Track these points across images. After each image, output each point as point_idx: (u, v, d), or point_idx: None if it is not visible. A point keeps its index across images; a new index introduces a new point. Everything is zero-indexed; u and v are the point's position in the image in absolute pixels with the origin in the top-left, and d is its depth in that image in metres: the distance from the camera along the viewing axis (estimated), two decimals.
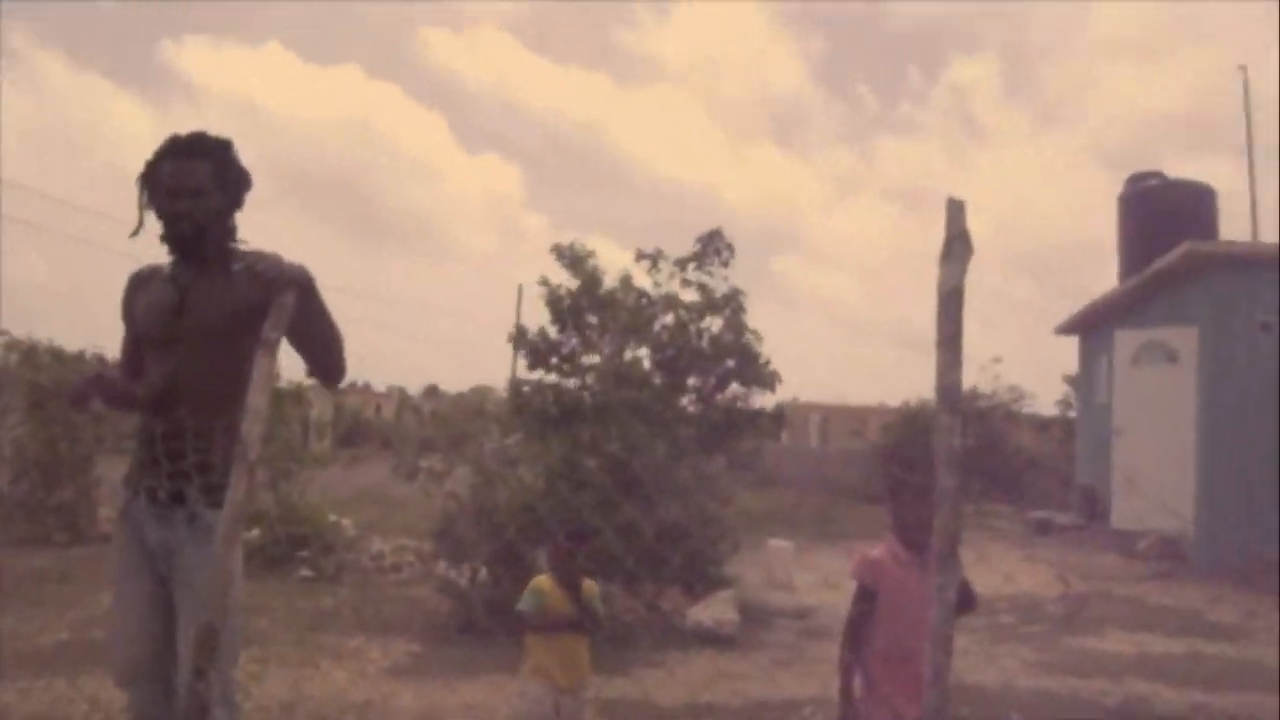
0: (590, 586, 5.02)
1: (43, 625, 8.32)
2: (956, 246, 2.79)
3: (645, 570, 8.43)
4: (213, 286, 3.38)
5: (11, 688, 6.46)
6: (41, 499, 14.00)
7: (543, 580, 4.96)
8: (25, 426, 14.20)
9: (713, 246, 10.96)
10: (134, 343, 3.60)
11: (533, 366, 10.73)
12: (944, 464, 2.70)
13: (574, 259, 10.76)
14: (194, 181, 3.41)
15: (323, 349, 3.44)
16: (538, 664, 4.82)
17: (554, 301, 10.68)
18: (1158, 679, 7.52)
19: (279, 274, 3.15)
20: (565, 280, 10.81)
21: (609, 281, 10.82)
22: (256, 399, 2.92)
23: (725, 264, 10.98)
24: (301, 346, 3.37)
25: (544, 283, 10.73)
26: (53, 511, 13.75)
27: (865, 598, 3.73)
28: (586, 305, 10.66)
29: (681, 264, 10.96)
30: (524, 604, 4.89)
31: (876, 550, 3.78)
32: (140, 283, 3.60)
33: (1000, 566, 12.05)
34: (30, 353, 15.91)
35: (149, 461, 3.35)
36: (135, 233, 3.51)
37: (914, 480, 3.61)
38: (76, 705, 5.98)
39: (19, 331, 16.46)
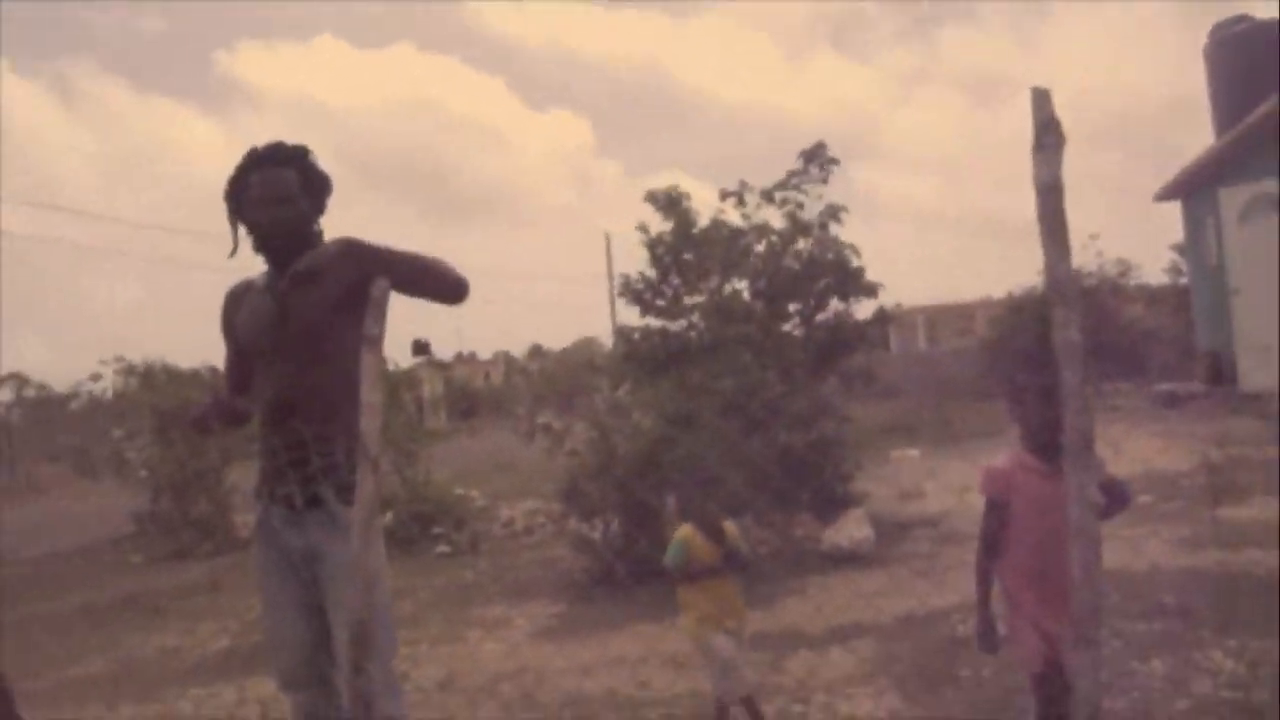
0: (731, 528, 5.00)
1: (204, 635, 8.61)
2: (1047, 138, 2.70)
3: (773, 501, 8.43)
4: (307, 292, 3.41)
5: (186, 697, 6.72)
6: (180, 515, 14.49)
7: (684, 530, 4.94)
8: (154, 448, 14.67)
9: (816, 162, 10.79)
10: (237, 357, 3.65)
11: (642, 314, 10.72)
12: (1065, 359, 2.63)
13: (669, 203, 10.70)
14: (282, 189, 3.45)
15: (426, 281, 3.39)
16: (702, 613, 4.83)
17: (652, 246, 10.65)
18: None
19: (337, 246, 3.29)
20: (659, 225, 10.75)
21: (702, 221, 10.73)
22: (369, 395, 2.95)
23: (825, 180, 10.81)
24: (407, 292, 3.32)
25: (642, 229, 10.69)
26: (191, 526, 14.21)
27: (995, 511, 3.59)
28: (685, 246, 10.61)
29: (768, 194, 10.83)
30: (670, 558, 4.89)
31: (1002, 461, 3.63)
32: (236, 298, 3.65)
33: (1129, 446, 11.80)
34: (148, 375, 16.41)
35: (275, 472, 3.41)
36: (233, 253, 3.56)
37: (1034, 382, 3.44)
38: (249, 708, 6.19)
39: (133, 356, 16.99)
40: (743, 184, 10.85)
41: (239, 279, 3.69)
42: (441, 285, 3.41)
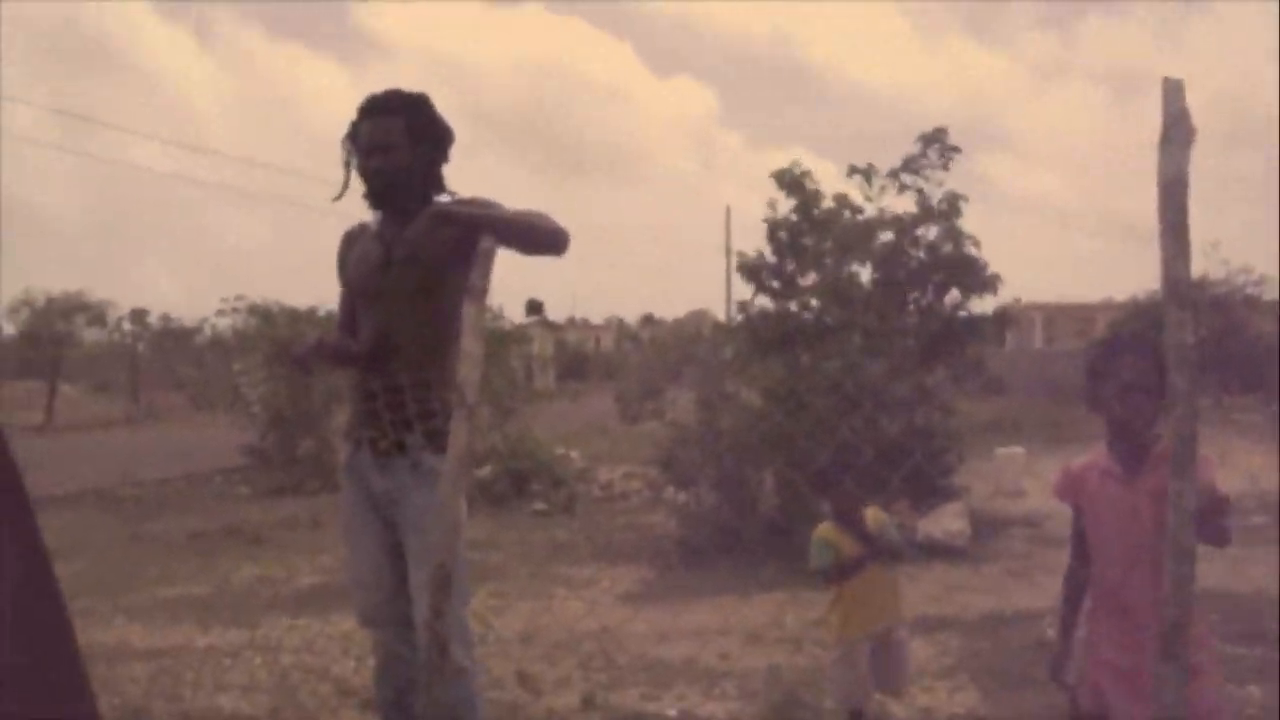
0: (876, 514, 4.67)
1: (297, 569, 8.84)
2: (1176, 131, 2.59)
3: (868, 488, 8.34)
4: (417, 239, 3.44)
5: (274, 625, 6.91)
6: (286, 451, 14.86)
7: (825, 529, 4.64)
8: (267, 384, 15.05)
9: (934, 146, 10.58)
10: (349, 300, 3.71)
11: (757, 292, 10.67)
12: (1175, 362, 2.53)
13: (793, 183, 10.60)
14: (386, 138, 3.46)
15: (524, 235, 3.32)
16: (846, 615, 4.53)
17: (773, 228, 10.58)
18: None
19: (428, 219, 3.31)
20: (783, 201, 10.66)
21: (826, 202, 10.62)
22: (470, 345, 2.97)
23: (946, 166, 10.60)
24: (507, 246, 3.23)
25: (770, 205, 10.62)
26: (300, 462, 14.58)
27: (1076, 518, 3.19)
28: (806, 228, 10.52)
29: (894, 174, 10.65)
30: (816, 560, 4.59)
31: (1080, 461, 3.20)
32: (351, 241, 3.70)
33: (1246, 464, 11.43)
34: (267, 315, 16.84)
35: (369, 414, 3.46)
36: (339, 195, 3.59)
37: (1114, 372, 2.98)
38: (332, 642, 6.33)
39: (255, 296, 17.44)
40: (870, 165, 10.71)
41: (358, 222, 3.75)
42: (540, 239, 3.35)
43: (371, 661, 3.73)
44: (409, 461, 3.38)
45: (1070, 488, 3.16)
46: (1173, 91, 2.63)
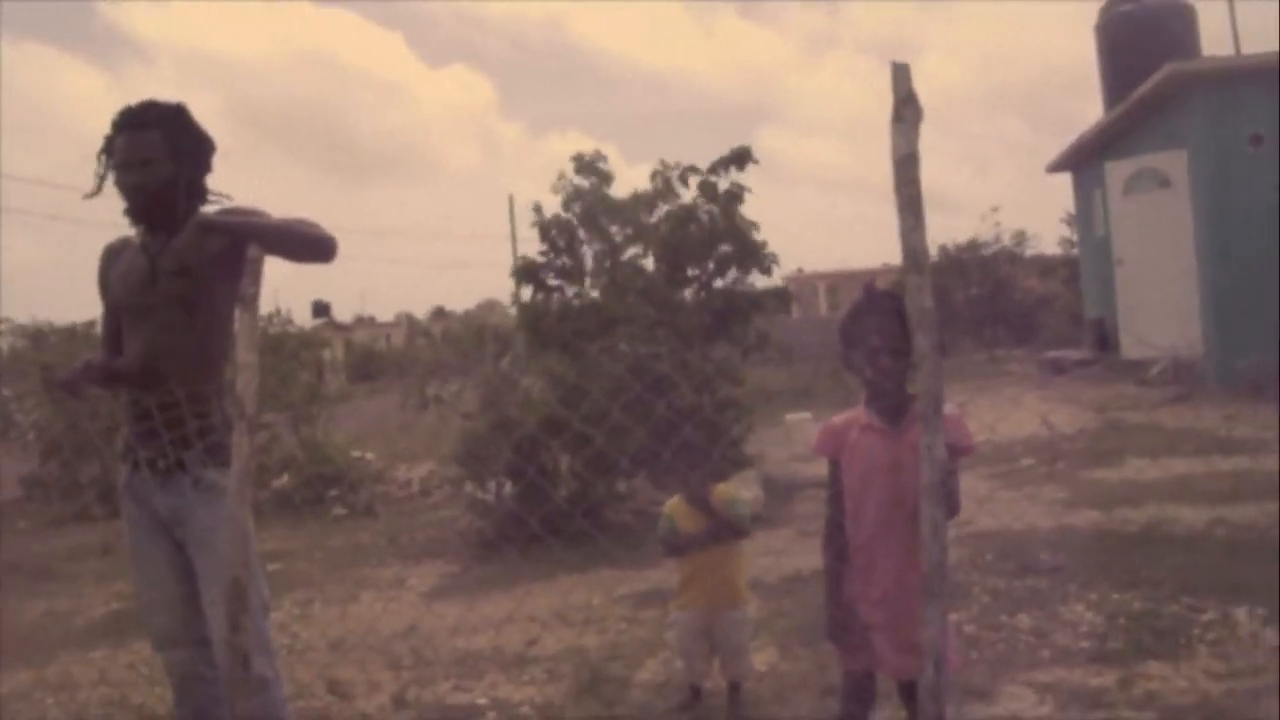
0: (723, 491, 4.74)
1: (88, 600, 8.51)
2: (906, 111, 2.80)
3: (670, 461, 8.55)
4: (183, 251, 3.41)
5: (69, 659, 6.66)
6: (74, 476, 14.21)
7: (672, 503, 4.74)
8: (44, 409, 14.35)
9: (737, 164, 10.97)
10: (113, 316, 3.63)
11: (535, 293, 10.82)
12: (917, 324, 2.74)
13: (588, 166, 10.84)
14: (143, 152, 3.42)
15: (289, 244, 3.29)
16: (683, 588, 4.65)
17: (544, 230, 10.76)
18: (1178, 500, 7.64)
19: (192, 229, 3.29)
20: (575, 183, 10.85)
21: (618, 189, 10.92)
22: (246, 354, 2.97)
23: (742, 168, 11.00)
24: (273, 254, 3.21)
25: (536, 210, 10.81)
26: (86, 487, 13.96)
27: (835, 475, 3.23)
28: (598, 212, 10.72)
29: (694, 169, 11.00)
30: (658, 532, 4.71)
31: (841, 417, 3.28)
32: (113, 255, 3.64)
33: (1013, 411, 12.16)
34: (37, 336, 16.03)
35: (145, 433, 3.40)
36: (90, 195, 3.51)
37: (862, 334, 3.12)
38: (131, 671, 6.16)
39: (22, 317, 16.57)
40: (663, 162, 11.05)
41: (119, 237, 3.68)
42: (305, 246, 3.35)
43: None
44: (190, 478, 3.36)
45: (831, 443, 3.23)
46: (900, 75, 2.83)
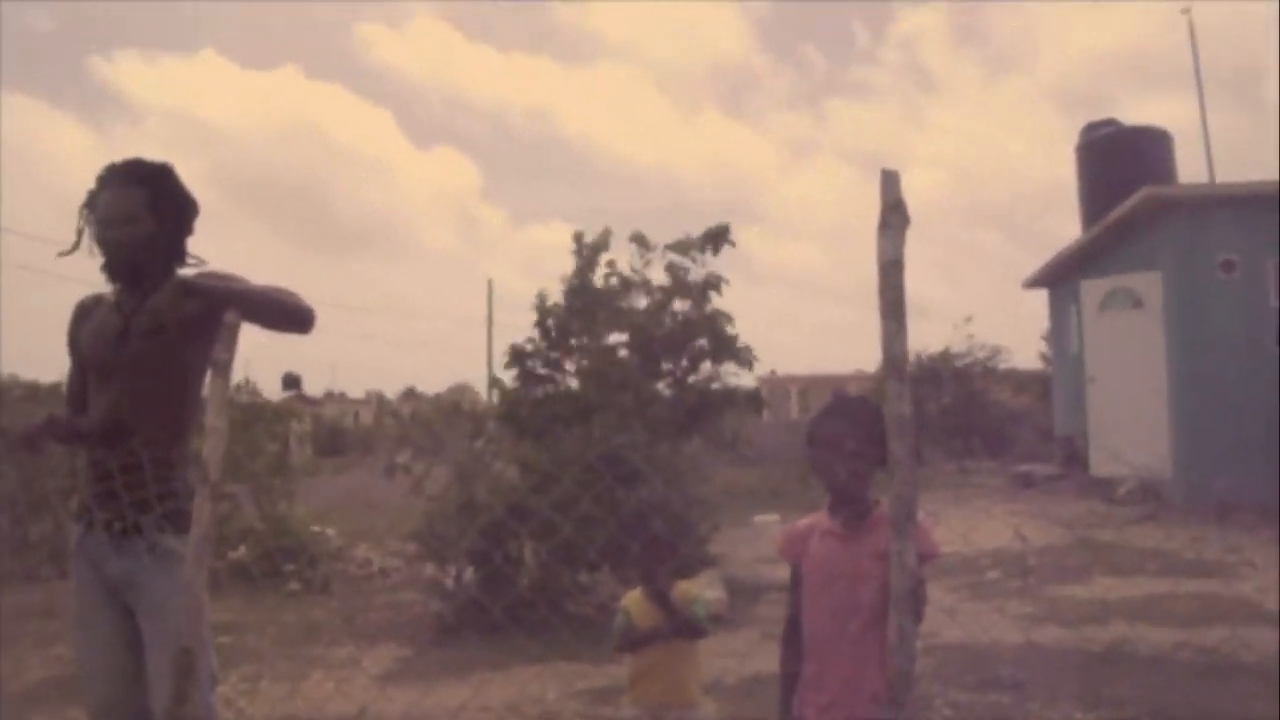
0: (684, 590, 4.63)
1: (26, 664, 8.30)
2: (893, 217, 2.82)
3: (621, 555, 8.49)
4: (158, 311, 3.37)
5: None
6: (24, 534, 13.95)
7: (630, 597, 4.64)
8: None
9: (717, 242, 11.02)
10: (80, 373, 3.58)
11: (520, 378, 10.77)
12: (894, 431, 2.72)
13: (586, 249, 10.86)
14: (126, 210, 3.40)
15: (268, 312, 3.27)
16: (633, 685, 4.53)
17: (543, 316, 10.75)
18: (1141, 621, 7.62)
19: (172, 289, 3.23)
20: (554, 288, 10.86)
21: (601, 271, 10.91)
22: (215, 420, 2.93)
23: (716, 253, 11.04)
24: (251, 321, 3.18)
25: (540, 298, 10.81)
26: (36, 547, 13.70)
27: (796, 579, 3.20)
28: (582, 303, 10.72)
29: (674, 247, 11.02)
30: (614, 625, 4.61)
31: (804, 521, 3.26)
32: (85, 312, 3.60)
33: (983, 523, 12.13)
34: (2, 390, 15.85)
35: (104, 494, 3.34)
36: (68, 253, 3.49)
37: (823, 436, 3.11)
38: None
39: None
40: (642, 236, 11.04)
41: (94, 292, 3.65)
42: (284, 315, 3.33)
43: None
44: (146, 543, 3.28)
45: (793, 547, 3.20)
46: (889, 182, 2.86)
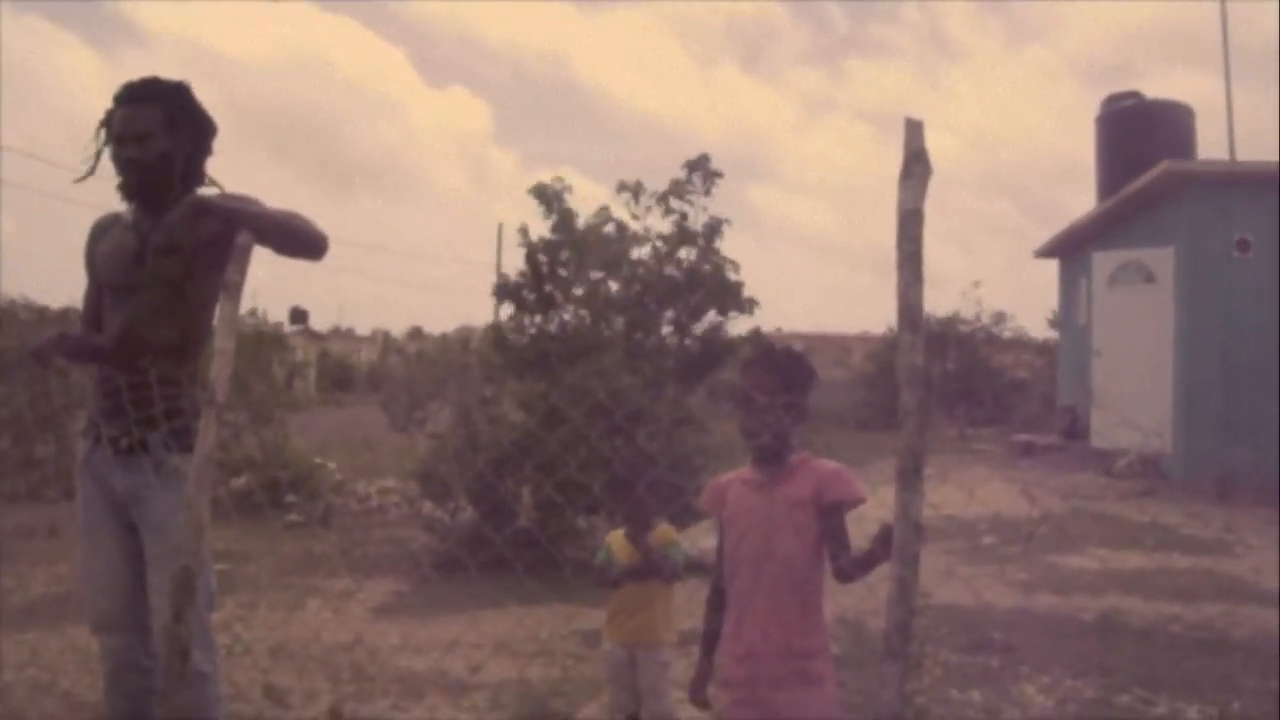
0: (663, 533, 4.64)
1: (28, 580, 8.36)
2: (915, 166, 2.78)
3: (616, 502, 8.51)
4: (174, 229, 3.35)
5: (1, 639, 6.51)
6: (27, 454, 14.01)
7: (614, 535, 4.73)
8: (3, 386, 14.17)
9: (698, 173, 10.86)
10: (96, 292, 3.57)
11: (516, 313, 10.68)
12: (905, 381, 2.70)
13: (550, 198, 10.67)
14: (141, 126, 3.37)
15: (282, 236, 3.25)
16: (609, 618, 4.62)
17: (530, 253, 10.62)
18: (1135, 593, 7.62)
19: (186, 208, 3.18)
20: (539, 223, 10.72)
21: (585, 218, 10.75)
22: (223, 342, 2.92)
23: (708, 192, 10.89)
24: (264, 244, 3.17)
25: (523, 232, 10.63)
26: (38, 466, 13.77)
27: (720, 531, 3.18)
28: (565, 247, 10.60)
29: (663, 197, 10.88)
30: (595, 560, 4.73)
31: (728, 475, 3.25)
32: (102, 231, 3.57)
33: (980, 489, 12.15)
34: (8, 313, 15.85)
35: (112, 410, 3.33)
36: (84, 178, 3.47)
37: (742, 390, 3.08)
38: (64, 656, 6.03)
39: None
40: (638, 184, 10.91)
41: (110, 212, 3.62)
42: (298, 240, 3.30)
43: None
44: (152, 460, 3.28)
45: (715, 499, 3.20)
46: (912, 130, 2.82)
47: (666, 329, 10.80)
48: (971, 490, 12.08)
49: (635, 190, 10.88)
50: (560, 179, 10.79)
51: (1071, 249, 19.42)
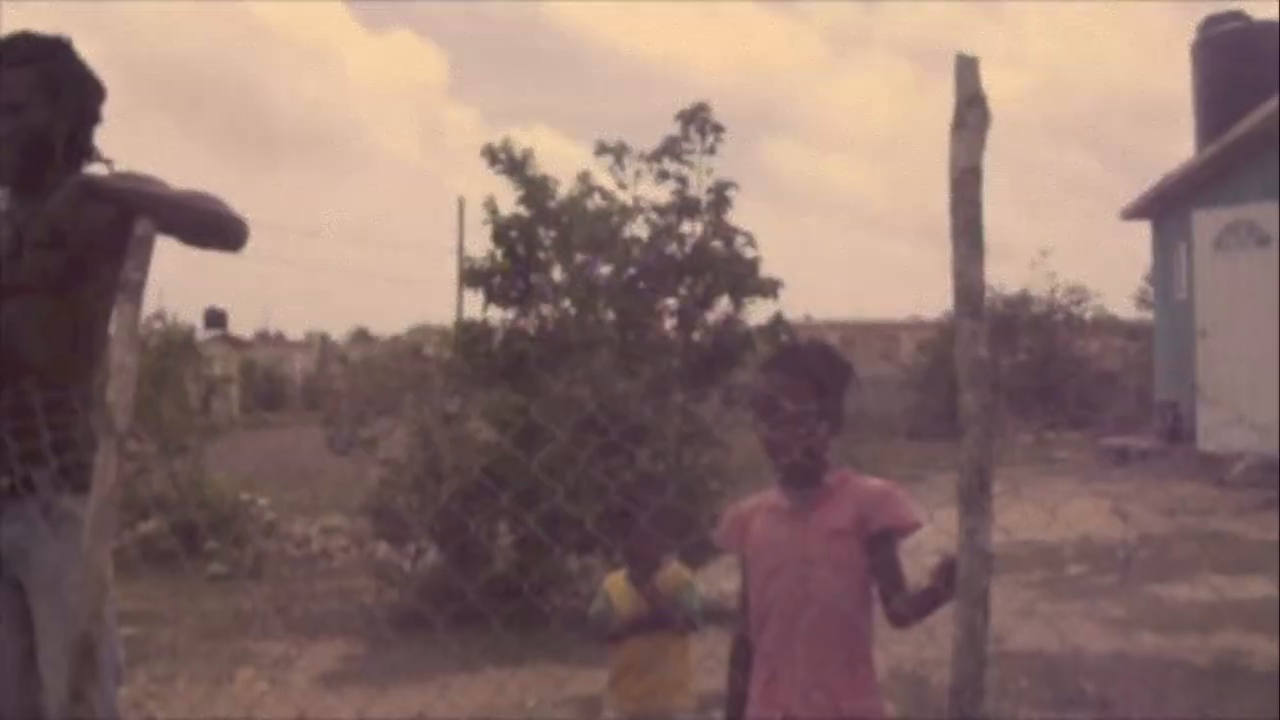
0: (674, 575, 4.68)
1: None
2: (969, 114, 2.77)
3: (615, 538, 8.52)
4: (56, 218, 3.34)
5: None
6: None
7: (612, 579, 4.76)
8: None
9: (695, 127, 10.76)
10: None
11: (488, 305, 10.56)
12: (968, 379, 2.69)
13: (511, 162, 10.57)
14: (14, 95, 3.38)
15: (190, 221, 3.27)
16: (611, 682, 4.63)
17: (501, 230, 10.51)
18: (1257, 630, 7.62)
19: (73, 190, 3.20)
20: (508, 188, 10.63)
21: (564, 189, 10.66)
22: (123, 355, 2.91)
23: (711, 150, 10.81)
24: (170, 234, 3.17)
25: (490, 207, 10.54)
26: None
27: (744, 571, 3.20)
28: (538, 220, 10.51)
29: (655, 157, 10.78)
30: (590, 611, 4.72)
31: (749, 501, 3.25)
32: None
33: (1063, 507, 12.14)
34: None
35: None
36: None
37: (761, 391, 3.09)
38: None
39: None
40: (621, 144, 10.79)
41: None
42: (210, 227, 3.32)
43: None
44: (39, 503, 3.28)
45: (736, 532, 3.20)
46: (966, 70, 2.80)
47: (669, 321, 10.74)
48: (1053, 509, 12.04)
49: (618, 152, 10.79)
50: (509, 140, 10.59)
51: (1167, 208, 19.42)
